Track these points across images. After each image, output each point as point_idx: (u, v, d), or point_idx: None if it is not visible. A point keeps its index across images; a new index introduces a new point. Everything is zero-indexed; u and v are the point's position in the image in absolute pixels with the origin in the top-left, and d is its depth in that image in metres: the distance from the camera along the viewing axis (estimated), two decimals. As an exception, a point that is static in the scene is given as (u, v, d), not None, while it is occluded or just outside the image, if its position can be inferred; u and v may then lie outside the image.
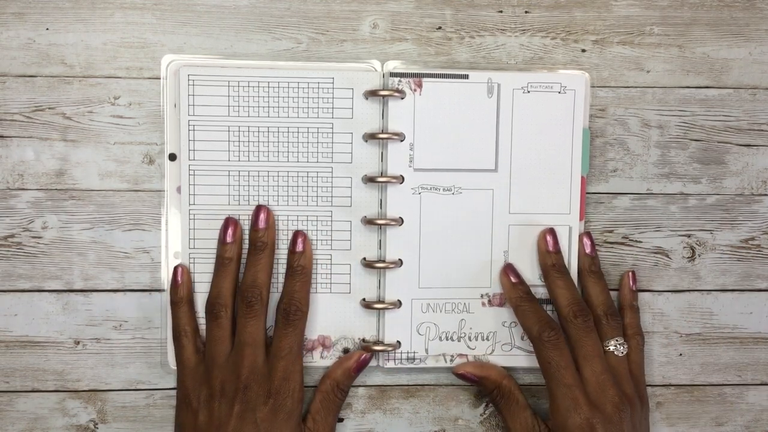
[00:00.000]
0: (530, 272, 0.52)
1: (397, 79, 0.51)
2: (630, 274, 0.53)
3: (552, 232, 0.52)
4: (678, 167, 0.54)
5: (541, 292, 0.52)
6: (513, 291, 0.51)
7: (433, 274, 0.52)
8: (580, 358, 0.49)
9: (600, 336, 0.50)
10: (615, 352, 0.50)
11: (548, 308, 0.52)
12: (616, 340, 0.50)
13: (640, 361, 0.52)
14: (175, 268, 0.51)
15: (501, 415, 0.51)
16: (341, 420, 0.54)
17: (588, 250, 0.52)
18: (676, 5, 0.53)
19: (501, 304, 0.53)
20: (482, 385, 0.52)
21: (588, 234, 0.52)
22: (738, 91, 0.54)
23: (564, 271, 0.51)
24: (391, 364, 0.52)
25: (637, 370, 0.52)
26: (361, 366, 0.51)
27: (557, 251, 0.51)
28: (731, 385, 0.55)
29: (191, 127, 0.50)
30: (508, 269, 0.52)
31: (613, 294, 0.54)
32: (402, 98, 0.51)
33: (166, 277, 0.52)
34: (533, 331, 0.50)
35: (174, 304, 0.51)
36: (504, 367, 0.53)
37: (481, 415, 0.54)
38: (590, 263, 0.52)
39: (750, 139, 0.54)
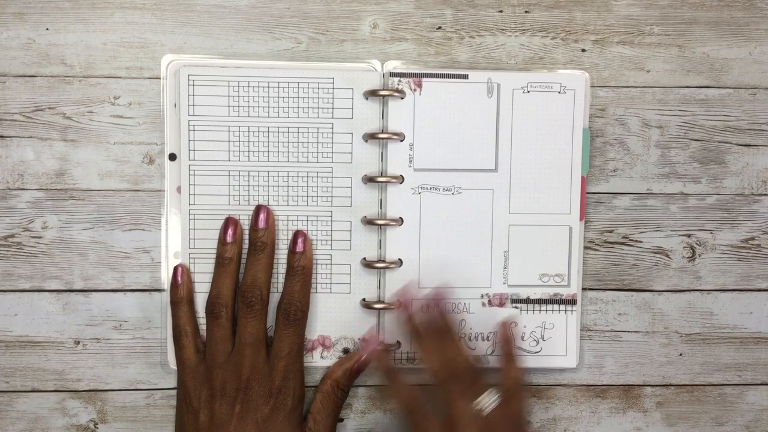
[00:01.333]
0: (530, 272, 0.52)
1: (397, 79, 0.51)
2: (509, 324, 0.52)
3: (439, 294, 0.51)
4: (678, 167, 0.54)
5: (540, 292, 0.53)
6: (380, 360, 0.50)
7: (433, 274, 0.52)
8: (453, 424, 0.47)
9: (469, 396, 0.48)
10: (484, 411, 0.47)
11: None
12: (486, 395, 0.48)
13: (519, 409, 0.49)
14: (175, 268, 0.51)
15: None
16: (341, 420, 0.54)
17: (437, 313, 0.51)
18: (676, 5, 0.53)
19: (501, 305, 0.53)
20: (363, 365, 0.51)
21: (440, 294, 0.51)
22: (738, 91, 0.54)
23: (434, 330, 0.50)
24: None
25: (517, 419, 0.49)
26: (362, 367, 0.51)
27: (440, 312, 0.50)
28: (731, 385, 0.55)
29: (191, 127, 0.50)
30: (369, 335, 0.51)
31: (612, 295, 0.54)
32: (402, 98, 0.51)
33: (166, 277, 0.52)
34: (401, 407, 0.48)
35: (174, 304, 0.51)
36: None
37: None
38: (444, 322, 0.50)
39: (750, 139, 0.54)
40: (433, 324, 0.50)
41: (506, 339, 0.52)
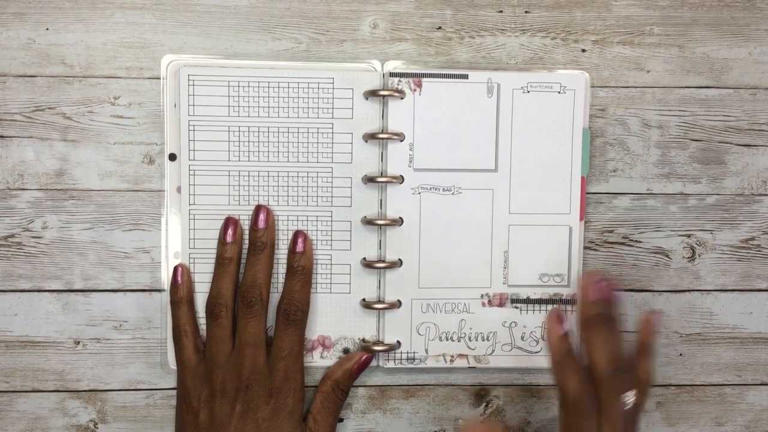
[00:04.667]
0: (530, 272, 0.52)
1: (397, 79, 0.51)
2: (654, 318, 0.50)
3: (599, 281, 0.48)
4: (678, 167, 0.54)
5: (540, 292, 0.53)
6: (558, 343, 0.48)
7: (433, 274, 0.52)
8: (603, 418, 0.46)
9: (612, 389, 0.47)
10: (627, 405, 0.46)
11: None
12: (629, 394, 0.47)
13: (642, 405, 0.48)
14: (175, 268, 0.51)
15: None
16: (341, 420, 0.54)
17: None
18: (676, 5, 0.53)
19: (501, 305, 0.53)
20: None
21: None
22: (738, 91, 0.54)
23: (610, 320, 0.48)
24: (391, 364, 0.52)
25: (637, 414, 0.48)
26: (362, 367, 0.51)
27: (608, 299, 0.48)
28: (731, 385, 0.55)
29: (191, 127, 0.51)
30: (556, 314, 0.49)
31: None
32: (402, 98, 0.51)
33: (166, 277, 0.52)
34: (569, 393, 0.46)
35: (174, 303, 0.51)
36: (504, 368, 0.53)
37: (481, 415, 0.54)
38: (615, 315, 0.48)
39: (750, 139, 0.54)
40: (605, 315, 0.47)
41: (650, 333, 0.49)
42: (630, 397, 0.46)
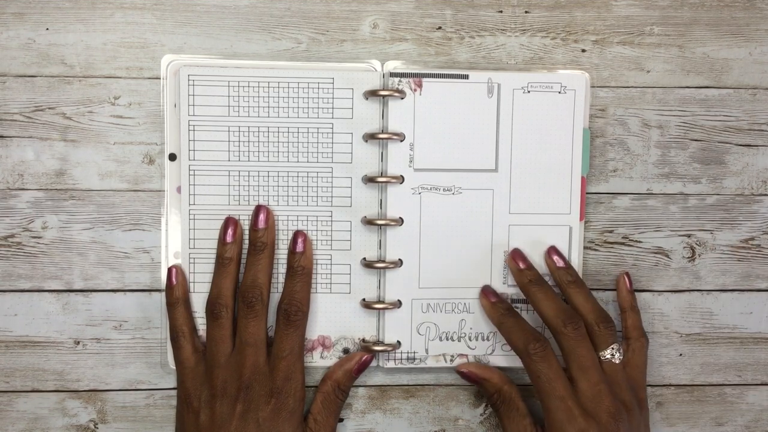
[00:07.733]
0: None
1: (397, 79, 0.51)
2: (625, 276, 0.53)
3: (518, 252, 0.52)
4: (678, 167, 0.54)
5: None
6: (493, 310, 0.51)
7: (433, 274, 0.52)
8: (575, 370, 0.48)
9: (594, 345, 0.49)
10: (612, 360, 0.49)
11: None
12: (612, 348, 0.49)
13: (641, 365, 0.51)
14: (169, 270, 0.51)
15: (500, 421, 0.51)
16: (342, 420, 0.54)
17: (559, 264, 0.51)
18: (676, 5, 0.53)
19: (501, 304, 0.53)
20: (483, 387, 0.52)
21: (553, 248, 0.52)
22: (738, 91, 0.54)
23: (542, 282, 0.51)
24: (391, 364, 0.52)
25: (637, 375, 0.51)
26: (362, 367, 0.51)
27: (529, 267, 0.51)
28: (731, 385, 0.55)
29: (191, 127, 0.50)
30: (487, 291, 0.52)
31: (612, 295, 0.54)
32: (402, 98, 0.51)
33: (166, 277, 0.51)
34: (519, 345, 0.49)
35: (170, 305, 0.51)
36: (504, 368, 0.53)
37: (481, 415, 0.54)
38: (565, 274, 0.51)
39: (750, 139, 0.54)
40: (537, 277, 0.51)
41: (627, 290, 0.53)
42: (609, 353, 0.49)
